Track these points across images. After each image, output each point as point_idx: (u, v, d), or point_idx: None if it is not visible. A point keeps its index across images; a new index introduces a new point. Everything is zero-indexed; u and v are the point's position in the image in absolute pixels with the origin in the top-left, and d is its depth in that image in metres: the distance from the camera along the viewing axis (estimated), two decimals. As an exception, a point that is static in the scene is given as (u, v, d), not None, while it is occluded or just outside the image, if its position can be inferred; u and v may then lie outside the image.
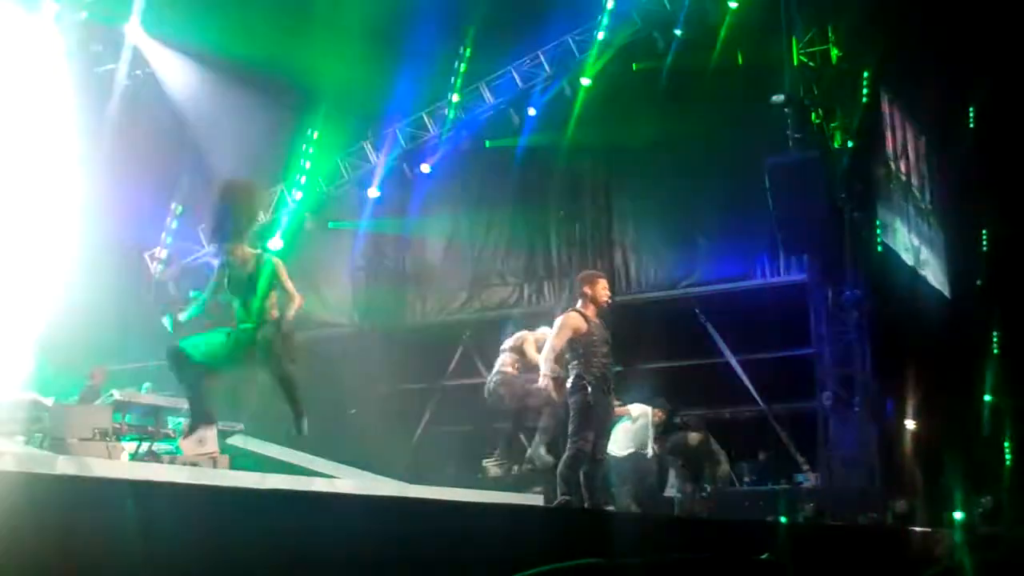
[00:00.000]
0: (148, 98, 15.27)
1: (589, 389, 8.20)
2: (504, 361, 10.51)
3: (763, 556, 5.69)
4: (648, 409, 12.60)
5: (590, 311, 8.54)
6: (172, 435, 11.82)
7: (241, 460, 12.44)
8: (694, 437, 13.20)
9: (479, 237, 19.09)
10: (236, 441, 13.14)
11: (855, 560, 7.14)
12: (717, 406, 16.84)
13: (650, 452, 12.51)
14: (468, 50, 17.32)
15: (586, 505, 7.96)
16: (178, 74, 15.58)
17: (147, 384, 13.15)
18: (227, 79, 15.63)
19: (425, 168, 17.91)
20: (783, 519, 11.94)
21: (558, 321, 8.58)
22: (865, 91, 16.31)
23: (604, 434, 8.69)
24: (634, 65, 17.51)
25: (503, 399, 10.36)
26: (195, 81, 15.68)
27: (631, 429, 12.40)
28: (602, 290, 8.74)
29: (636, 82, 17.60)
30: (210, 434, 11.76)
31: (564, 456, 8.27)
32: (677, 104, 16.77)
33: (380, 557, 3.55)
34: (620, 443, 12.12)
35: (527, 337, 10.40)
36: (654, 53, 17.04)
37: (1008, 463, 12.58)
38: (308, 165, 17.75)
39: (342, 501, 4.37)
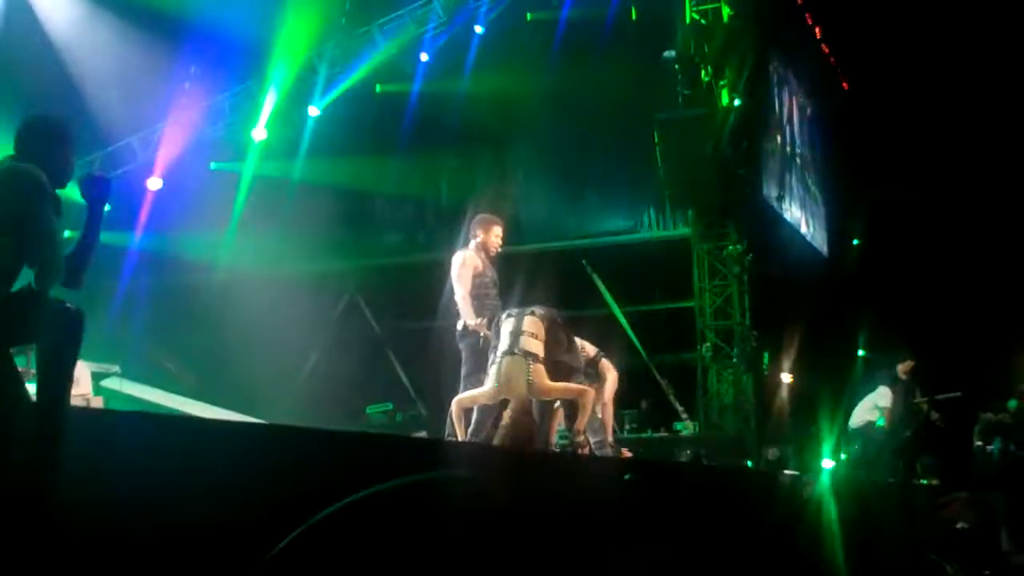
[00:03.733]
0: (23, 30, 14.54)
1: (481, 332, 8.03)
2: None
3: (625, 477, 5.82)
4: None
5: (481, 255, 8.44)
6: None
7: (116, 403, 12.19)
8: None
9: (368, 183, 18.83)
10: (111, 383, 12.85)
11: (725, 500, 7.30)
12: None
13: None
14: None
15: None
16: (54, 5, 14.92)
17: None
18: (104, 9, 15.00)
19: (313, 111, 17.44)
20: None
21: (457, 259, 8.37)
22: (752, 51, 16.48)
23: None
24: (528, 15, 17.41)
25: None
26: (72, 12, 15.04)
27: None
28: (494, 237, 8.59)
29: (530, 32, 17.50)
30: (84, 375, 11.53)
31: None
32: (571, 56, 16.73)
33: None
34: None
35: None
36: (549, 4, 17.02)
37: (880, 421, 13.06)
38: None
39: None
